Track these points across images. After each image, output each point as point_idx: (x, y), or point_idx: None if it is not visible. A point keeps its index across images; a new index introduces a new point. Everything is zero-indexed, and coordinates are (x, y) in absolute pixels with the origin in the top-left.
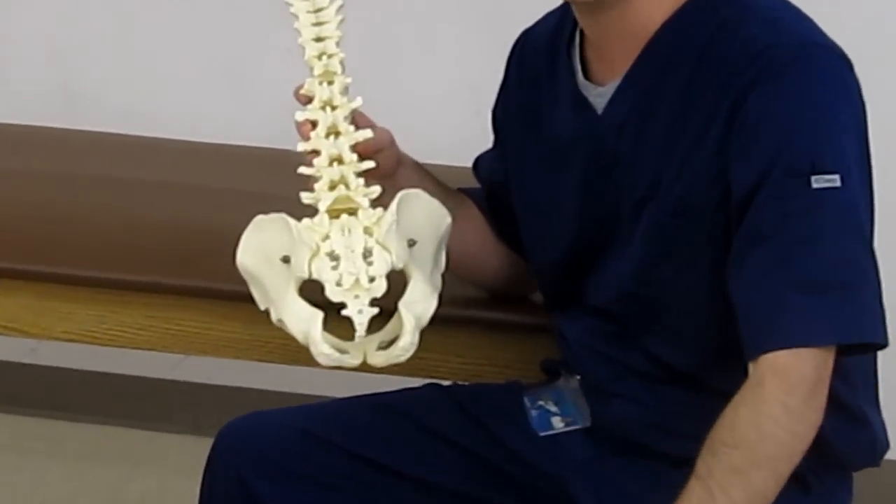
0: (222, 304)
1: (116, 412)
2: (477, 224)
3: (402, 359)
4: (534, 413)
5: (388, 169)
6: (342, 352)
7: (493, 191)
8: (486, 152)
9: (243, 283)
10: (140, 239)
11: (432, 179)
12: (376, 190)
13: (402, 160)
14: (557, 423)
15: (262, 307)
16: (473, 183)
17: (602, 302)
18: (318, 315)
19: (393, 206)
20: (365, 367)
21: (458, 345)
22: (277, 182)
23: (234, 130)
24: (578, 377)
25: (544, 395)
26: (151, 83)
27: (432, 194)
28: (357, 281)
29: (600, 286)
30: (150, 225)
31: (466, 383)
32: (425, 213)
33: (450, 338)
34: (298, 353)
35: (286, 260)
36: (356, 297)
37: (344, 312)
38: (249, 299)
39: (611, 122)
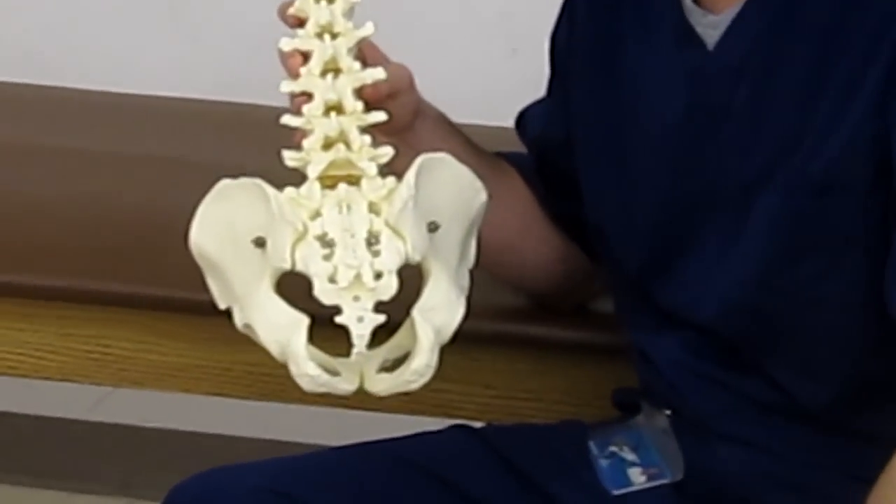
0: (165, 317)
1: (19, 466)
2: (521, 201)
3: (415, 386)
4: (604, 463)
5: (405, 121)
6: (332, 373)
7: (547, 154)
8: (538, 102)
9: (193, 287)
10: (51, 227)
11: (461, 138)
12: (387, 152)
13: (422, 111)
14: (637, 477)
15: (223, 305)
16: (511, 146)
17: (703, 315)
18: (303, 321)
19: (410, 174)
20: (359, 403)
21: (491, 372)
22: (241, 148)
23: (179, 78)
24: (668, 412)
25: (618, 439)
26: (65, 17)
27: (462, 160)
28: (358, 277)
29: (699, 293)
30: (65, 208)
31: (506, 424)
32: (453, 186)
33: (480, 362)
34: (270, 385)
35: (260, 243)
36: (355, 298)
37: (338, 319)
38: (203, 309)
39: (725, 61)
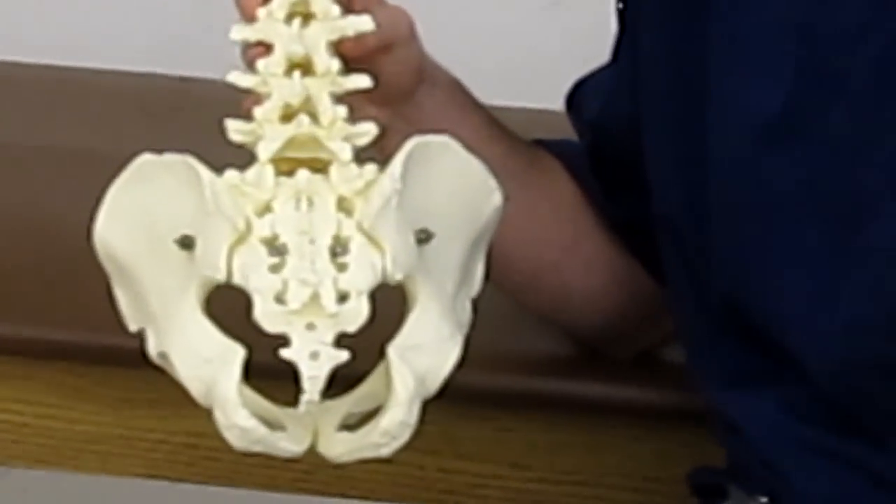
0: (75, 369)
1: None
2: (567, 205)
3: (385, 451)
4: None
5: (401, 87)
6: (274, 427)
7: (608, 138)
8: (600, 71)
9: (115, 328)
10: None
11: (482, 116)
12: (368, 130)
13: (428, 75)
14: None
15: (133, 327)
16: (556, 133)
17: (811, 365)
18: (237, 353)
19: (397, 163)
20: (343, 487)
21: (523, 445)
22: (182, 138)
23: (96, 42)
24: (764, 499)
25: None
26: None
27: (482, 146)
28: (315, 297)
29: (804, 332)
30: None
31: None
32: (456, 182)
33: (508, 431)
34: (223, 464)
35: (187, 243)
36: (310, 327)
37: (284, 353)
38: (128, 359)
39: (847, 13)
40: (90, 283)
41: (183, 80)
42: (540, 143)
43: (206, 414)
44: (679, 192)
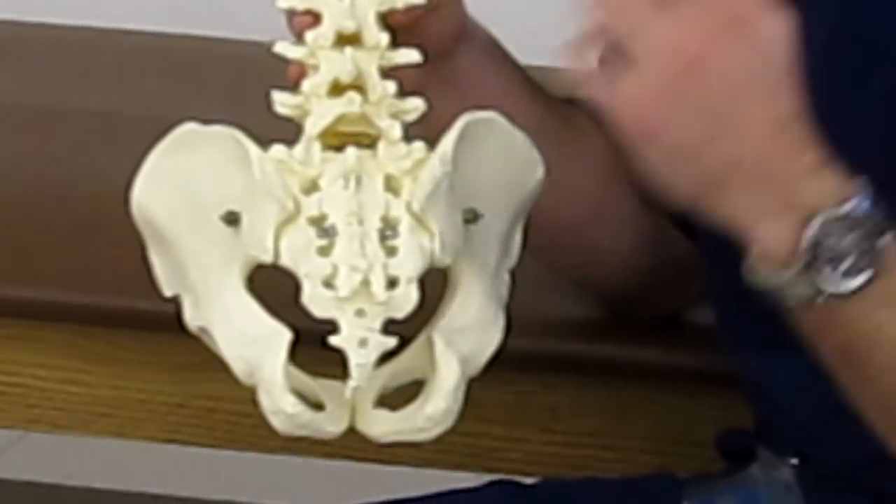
0: (93, 332)
1: None
2: (598, 164)
3: (427, 436)
4: None
5: (442, 47)
6: (310, 401)
7: None
8: None
9: (132, 291)
10: None
11: (515, 72)
12: (416, 106)
13: (466, 32)
14: None
15: (169, 292)
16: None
17: None
18: (283, 336)
19: (447, 143)
20: (362, 453)
21: (547, 409)
22: (207, 100)
23: (114, 6)
24: (794, 460)
25: (723, 498)
26: None
27: (519, 105)
28: (365, 284)
29: None
30: None
31: (568, 480)
32: (502, 159)
33: (531, 395)
34: (243, 427)
35: (232, 220)
36: (359, 313)
37: (333, 341)
38: (148, 322)
39: None
40: (110, 245)
41: (205, 39)
42: (574, 101)
43: (226, 378)
44: None
